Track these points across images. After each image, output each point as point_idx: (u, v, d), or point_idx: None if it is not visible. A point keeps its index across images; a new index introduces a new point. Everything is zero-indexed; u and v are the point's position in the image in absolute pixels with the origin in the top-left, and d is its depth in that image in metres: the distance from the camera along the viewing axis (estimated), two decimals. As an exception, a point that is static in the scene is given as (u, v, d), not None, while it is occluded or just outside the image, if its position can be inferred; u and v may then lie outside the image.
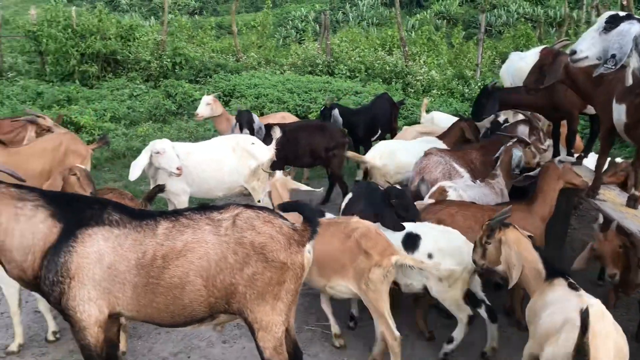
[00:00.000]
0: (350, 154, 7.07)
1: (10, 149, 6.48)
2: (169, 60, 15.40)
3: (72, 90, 13.54)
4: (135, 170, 5.73)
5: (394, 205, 4.66)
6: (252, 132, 7.09)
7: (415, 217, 4.75)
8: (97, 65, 15.48)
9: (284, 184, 5.19)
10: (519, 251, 3.70)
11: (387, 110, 8.85)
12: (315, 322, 5.08)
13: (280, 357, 3.46)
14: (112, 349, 3.86)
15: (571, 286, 3.45)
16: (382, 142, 7.13)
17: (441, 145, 6.69)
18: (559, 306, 3.33)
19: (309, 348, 4.65)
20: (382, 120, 8.75)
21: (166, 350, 4.63)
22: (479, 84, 14.14)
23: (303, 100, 12.61)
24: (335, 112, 8.22)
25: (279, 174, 5.34)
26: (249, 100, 12.70)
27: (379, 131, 8.67)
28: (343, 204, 5.37)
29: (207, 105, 7.91)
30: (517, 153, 5.60)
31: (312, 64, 15.88)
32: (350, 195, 5.47)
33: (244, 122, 7.15)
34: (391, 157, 6.53)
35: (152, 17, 27.15)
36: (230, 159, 6.31)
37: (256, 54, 17.68)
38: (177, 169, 5.66)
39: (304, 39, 19.71)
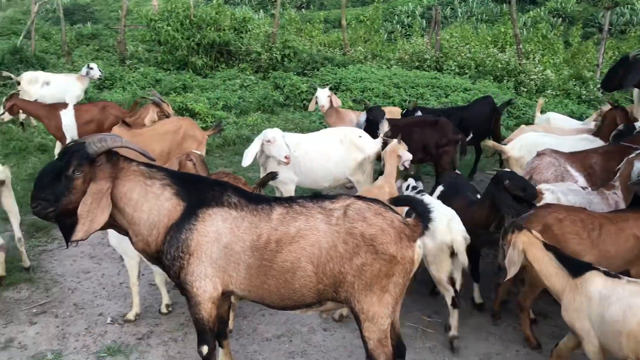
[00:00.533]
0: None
1: (134, 130, 6.94)
2: (278, 52, 15.78)
3: (188, 79, 14.23)
4: (248, 157, 5.94)
5: (508, 187, 4.57)
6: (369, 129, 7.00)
7: (534, 196, 4.66)
8: (212, 55, 16.16)
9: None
10: (528, 252, 3.89)
11: (485, 114, 8.53)
12: (419, 318, 5.04)
13: (384, 350, 3.47)
14: (222, 325, 4.05)
15: (609, 274, 3.62)
16: (527, 134, 6.79)
17: (597, 142, 6.32)
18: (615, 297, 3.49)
19: (409, 345, 4.62)
20: (477, 122, 8.44)
21: (269, 331, 4.78)
22: (599, 85, 13.34)
23: (410, 95, 12.49)
24: (418, 114, 8.03)
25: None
26: (354, 93, 12.76)
27: (471, 134, 8.35)
28: (434, 196, 5.29)
29: (327, 98, 8.12)
30: (639, 165, 5.19)
31: (420, 59, 15.68)
32: (441, 187, 5.41)
33: (379, 118, 7.05)
34: (530, 149, 6.25)
35: (261, 10, 27.95)
36: (338, 151, 6.37)
37: (363, 47, 17.71)
38: (286, 157, 5.80)
39: (409, 34, 19.50)
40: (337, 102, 8.29)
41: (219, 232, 3.50)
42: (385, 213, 3.43)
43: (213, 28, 16.05)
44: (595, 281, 3.60)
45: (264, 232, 3.47)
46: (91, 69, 11.39)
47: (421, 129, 7.25)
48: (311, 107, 8.53)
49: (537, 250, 3.88)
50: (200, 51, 16.12)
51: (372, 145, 6.51)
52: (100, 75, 11.54)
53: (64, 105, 8.84)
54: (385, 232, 3.35)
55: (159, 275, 5.05)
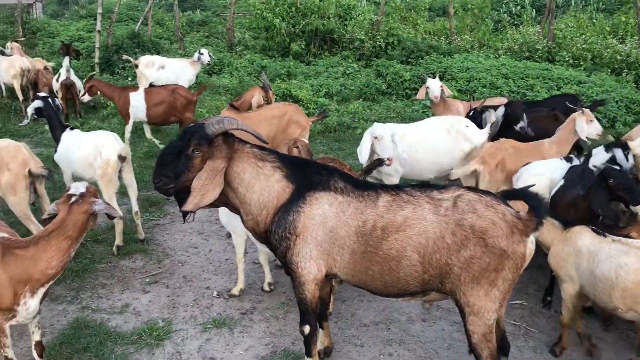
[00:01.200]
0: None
1: (242, 114, 7.19)
2: (382, 40, 15.69)
3: (292, 66, 14.50)
4: (363, 154, 5.99)
5: (612, 186, 4.32)
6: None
7: (636, 201, 4.40)
8: (315, 43, 16.34)
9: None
10: None
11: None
12: (520, 316, 4.88)
13: (488, 345, 3.40)
14: (324, 307, 4.13)
15: (596, 232, 4.00)
16: None
17: None
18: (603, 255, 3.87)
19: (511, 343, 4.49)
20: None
21: (367, 317, 4.82)
22: None
23: (519, 86, 12.01)
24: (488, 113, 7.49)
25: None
26: (460, 83, 12.45)
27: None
28: (553, 191, 5.05)
29: (439, 88, 8.01)
30: None
31: (530, 49, 15.02)
32: (562, 181, 5.16)
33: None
34: None
35: (364, -2, 27.86)
36: (445, 141, 6.23)
37: (470, 36, 17.22)
38: (388, 159, 5.72)
39: (517, 24, 18.69)
40: (447, 92, 8.16)
41: (325, 216, 3.56)
42: (497, 206, 3.34)
43: (317, 15, 16.20)
44: (584, 236, 4.03)
45: (369, 219, 3.49)
46: (202, 54, 11.89)
47: (542, 122, 6.92)
48: (420, 95, 8.41)
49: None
50: (304, 38, 16.35)
51: (479, 136, 6.31)
52: (209, 61, 12.01)
53: (135, 88, 9.42)
54: (497, 226, 3.26)
55: (262, 254, 5.22)
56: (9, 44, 13.19)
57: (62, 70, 10.79)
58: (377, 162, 5.35)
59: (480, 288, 3.32)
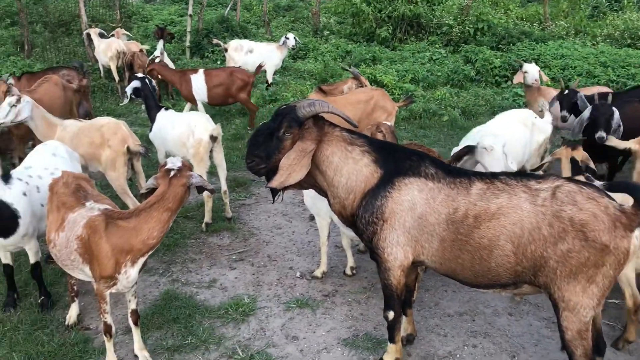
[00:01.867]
0: None
1: (329, 97, 7.20)
2: (471, 26, 15.24)
3: (377, 51, 14.37)
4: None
5: None
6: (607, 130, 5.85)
7: None
8: (401, 28, 16.10)
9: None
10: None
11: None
12: (618, 316, 4.64)
13: (582, 343, 3.24)
14: (408, 294, 4.09)
15: None
16: None
17: None
18: None
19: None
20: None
21: (451, 308, 4.73)
22: None
23: (618, 75, 11.34)
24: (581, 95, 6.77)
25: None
26: (553, 71, 11.90)
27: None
28: None
29: (538, 72, 7.74)
30: None
31: (633, 35, 14.10)
32: None
33: (606, 117, 5.85)
34: None
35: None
36: (525, 135, 5.97)
37: (565, 22, 16.40)
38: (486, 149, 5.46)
39: (617, 9, 17.57)
40: (544, 78, 7.85)
41: (414, 202, 3.51)
42: (599, 198, 3.17)
43: (405, 0, 15.94)
44: None
45: (461, 206, 3.40)
46: (287, 39, 12.01)
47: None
48: (517, 80, 8.10)
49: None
50: (390, 23, 16.14)
51: (547, 126, 6.16)
52: (293, 45, 12.09)
53: (195, 70, 9.60)
54: (598, 219, 3.09)
55: (345, 238, 5.23)
56: (115, 31, 13.79)
57: (157, 53, 11.22)
58: (466, 149, 5.21)
59: (577, 283, 3.17)
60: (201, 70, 9.56)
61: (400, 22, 16.12)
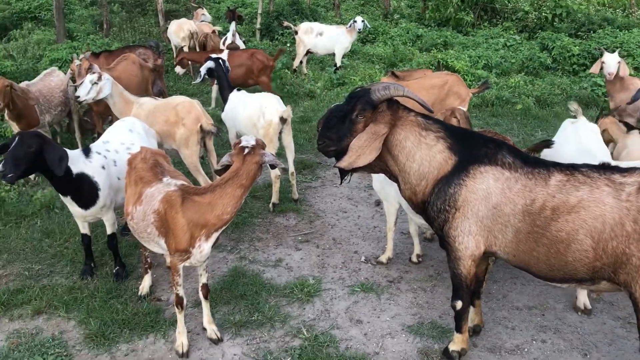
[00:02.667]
0: None
1: (402, 82, 7.10)
2: (548, 11, 14.65)
3: (449, 36, 14.04)
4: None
5: None
6: None
7: None
8: (475, 13, 15.68)
9: None
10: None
11: None
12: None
13: (664, 347, 3.09)
14: (478, 285, 4.01)
15: None
16: None
17: None
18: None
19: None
20: None
21: (520, 301, 4.61)
22: None
23: None
24: None
25: None
26: (638, 60, 11.28)
27: None
28: None
29: (616, 64, 7.28)
30: None
31: None
32: None
33: None
34: None
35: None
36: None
37: (652, 8, 15.52)
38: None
39: None
40: (624, 70, 7.36)
41: (489, 191, 3.42)
42: (692, 195, 2.99)
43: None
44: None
45: (538, 197, 3.29)
46: (355, 22, 11.90)
47: None
48: (594, 70, 7.72)
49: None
50: (462, 9, 15.74)
51: None
52: (359, 29, 11.95)
53: (220, 51, 9.63)
54: (689, 217, 2.92)
55: (413, 225, 5.18)
56: (195, 12, 14.04)
57: (229, 35, 11.37)
58: (545, 143, 5.02)
59: (662, 283, 3.01)
60: (226, 51, 9.66)
61: (474, 7, 15.69)
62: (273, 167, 3.83)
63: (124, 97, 5.99)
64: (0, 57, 10.02)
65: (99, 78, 5.80)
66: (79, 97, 5.82)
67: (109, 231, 4.80)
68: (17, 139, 4.07)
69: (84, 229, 4.83)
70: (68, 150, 4.38)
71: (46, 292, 4.64)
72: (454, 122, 5.18)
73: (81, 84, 5.87)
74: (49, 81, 7.18)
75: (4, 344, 4.07)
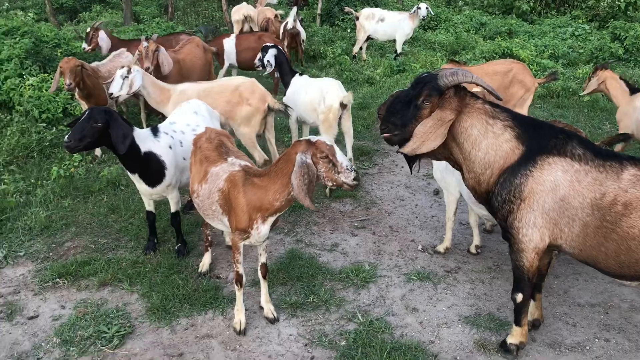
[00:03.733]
0: None
1: (463, 67, 6.97)
2: (622, 0, 13.99)
3: (514, 24, 13.65)
4: None
5: None
6: None
7: None
8: (542, 1, 15.16)
9: None
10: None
11: None
12: None
13: None
14: (539, 279, 3.92)
15: None
16: None
17: None
18: None
19: None
20: None
21: (582, 297, 4.47)
22: None
23: None
24: None
25: None
26: None
27: None
28: None
29: None
30: None
31: None
32: None
33: None
34: None
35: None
36: None
37: None
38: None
39: None
40: None
41: (557, 183, 3.32)
42: None
43: (549, -29, 14.97)
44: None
45: (609, 191, 3.17)
46: (419, 8, 11.71)
47: None
48: None
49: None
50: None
51: None
52: (423, 16, 11.77)
53: (228, 35, 9.76)
54: None
55: (473, 216, 5.09)
56: None
57: (290, 20, 11.39)
58: (622, 136, 4.82)
59: None
60: (233, 35, 9.78)
61: (541, -6, 15.21)
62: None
63: (158, 86, 5.87)
64: (71, 38, 10.37)
65: (129, 71, 5.66)
66: (112, 93, 5.67)
67: (172, 209, 4.93)
68: (86, 113, 4.23)
69: (149, 206, 4.99)
70: (137, 129, 4.52)
71: (111, 265, 4.83)
72: None
73: (112, 80, 5.76)
74: (118, 62, 7.40)
75: (72, 312, 4.26)
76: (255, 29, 12.44)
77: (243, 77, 6.28)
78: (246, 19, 12.39)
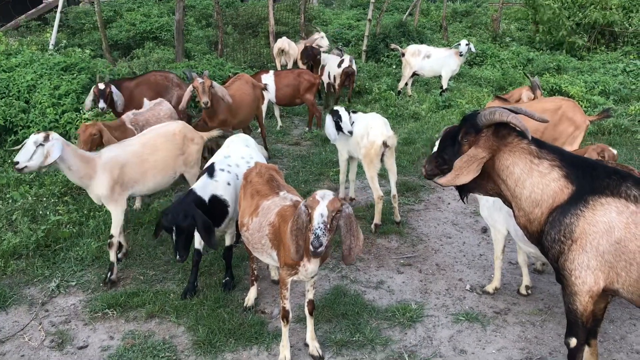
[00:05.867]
0: None
1: (507, 105, 6.91)
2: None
3: (562, 60, 13.49)
4: None
5: None
6: None
7: None
8: (591, 36, 14.97)
9: None
10: None
11: None
12: None
13: None
14: (595, 324, 3.77)
15: None
16: None
17: None
18: None
19: None
20: None
21: (641, 344, 4.29)
22: None
23: None
24: None
25: None
26: None
27: None
28: None
29: None
30: None
31: None
32: None
33: None
34: None
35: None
36: None
37: None
38: None
39: None
40: None
41: (611, 225, 3.22)
42: None
43: (598, 6, 14.78)
44: None
45: (669, 234, 3.05)
46: (459, 44, 11.70)
47: None
48: None
49: None
50: (576, 32, 15.08)
51: None
52: (461, 52, 11.63)
53: (266, 71, 9.86)
54: None
55: (522, 255, 4.97)
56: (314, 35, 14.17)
57: (346, 58, 11.38)
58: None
59: None
60: (272, 72, 9.85)
61: (590, 30, 14.97)
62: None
63: (81, 156, 4.98)
64: (125, 74, 10.77)
65: (45, 138, 4.75)
66: (17, 162, 4.72)
67: (227, 243, 5.00)
68: (174, 226, 4.30)
69: (199, 244, 4.91)
70: (197, 183, 4.70)
71: (159, 297, 4.89)
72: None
73: (22, 147, 4.83)
74: (158, 110, 7.08)
75: (120, 344, 4.32)
76: (290, 62, 12.64)
77: (166, 123, 6.03)
78: (281, 52, 12.61)
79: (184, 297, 4.86)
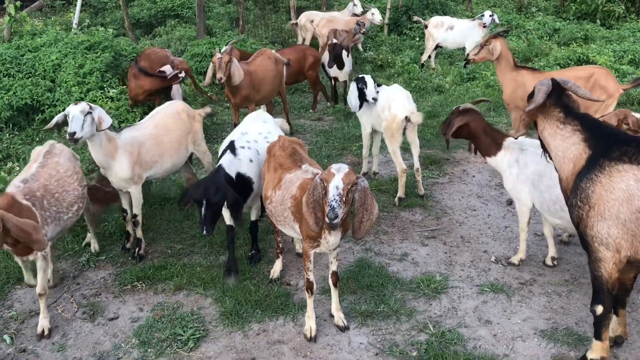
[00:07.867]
0: None
1: (539, 72, 6.81)
2: None
3: (590, 29, 13.16)
4: None
5: None
6: None
7: None
8: (623, 5, 14.54)
9: None
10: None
11: None
12: None
13: None
14: (624, 293, 3.75)
15: None
16: None
17: None
18: None
19: None
20: None
21: (670, 316, 4.24)
22: None
23: None
24: None
25: None
26: None
27: None
28: None
29: None
30: None
31: None
32: None
33: None
34: None
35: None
36: None
37: None
38: None
39: None
40: None
41: (631, 193, 3.20)
42: None
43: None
44: None
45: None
46: (483, 16, 11.48)
47: None
48: None
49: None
50: (611, 1, 14.64)
51: None
52: (485, 23, 11.41)
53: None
54: None
55: (547, 227, 4.92)
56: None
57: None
58: None
59: None
60: (273, 50, 9.46)
61: (626, -1, 14.55)
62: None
63: (107, 135, 4.87)
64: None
65: (91, 107, 4.61)
66: (74, 133, 4.47)
67: (253, 217, 5.06)
68: (205, 200, 4.30)
69: (230, 220, 4.79)
70: (222, 160, 4.69)
71: (186, 270, 4.98)
72: (624, 127, 4.81)
73: (55, 122, 4.73)
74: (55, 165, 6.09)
75: (150, 315, 4.42)
76: (304, 37, 12.45)
77: (167, 103, 6.01)
78: (295, 25, 12.42)
79: (228, 277, 4.75)
